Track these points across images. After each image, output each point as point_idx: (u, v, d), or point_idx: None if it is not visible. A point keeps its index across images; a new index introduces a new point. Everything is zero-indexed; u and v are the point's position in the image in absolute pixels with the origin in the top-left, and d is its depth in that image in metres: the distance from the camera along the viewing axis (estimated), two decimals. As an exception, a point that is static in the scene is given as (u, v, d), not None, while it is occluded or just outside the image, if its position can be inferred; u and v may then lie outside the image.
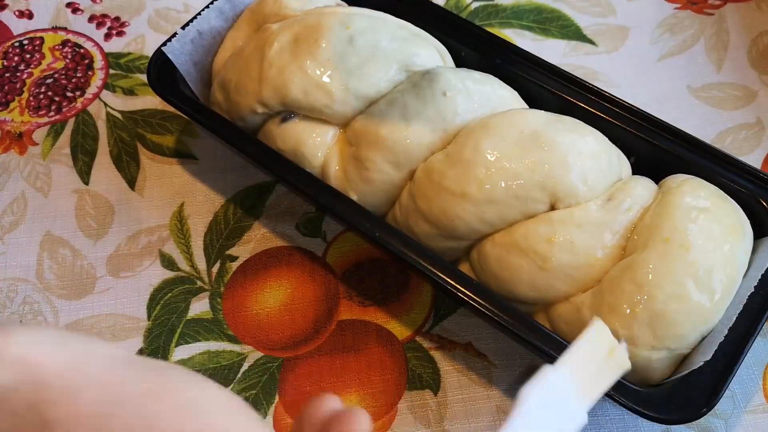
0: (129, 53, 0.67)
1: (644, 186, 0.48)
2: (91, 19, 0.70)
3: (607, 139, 0.49)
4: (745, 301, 0.44)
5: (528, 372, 0.51)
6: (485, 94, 0.50)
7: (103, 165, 0.61)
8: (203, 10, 0.57)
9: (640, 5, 0.68)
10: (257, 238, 0.57)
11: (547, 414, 0.35)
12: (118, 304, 0.55)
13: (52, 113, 0.64)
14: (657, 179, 0.49)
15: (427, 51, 0.53)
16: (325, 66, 0.50)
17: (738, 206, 0.48)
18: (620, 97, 0.52)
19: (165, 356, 0.52)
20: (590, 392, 0.36)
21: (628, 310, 0.43)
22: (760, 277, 0.45)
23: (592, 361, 0.36)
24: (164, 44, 0.55)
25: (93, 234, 0.58)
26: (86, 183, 0.60)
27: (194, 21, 0.57)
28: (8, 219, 0.58)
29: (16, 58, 0.67)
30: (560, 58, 0.65)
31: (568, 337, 0.45)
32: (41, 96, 0.65)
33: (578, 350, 0.36)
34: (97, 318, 0.54)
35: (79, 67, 0.67)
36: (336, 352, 0.52)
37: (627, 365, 0.36)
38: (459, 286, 0.45)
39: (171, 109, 0.56)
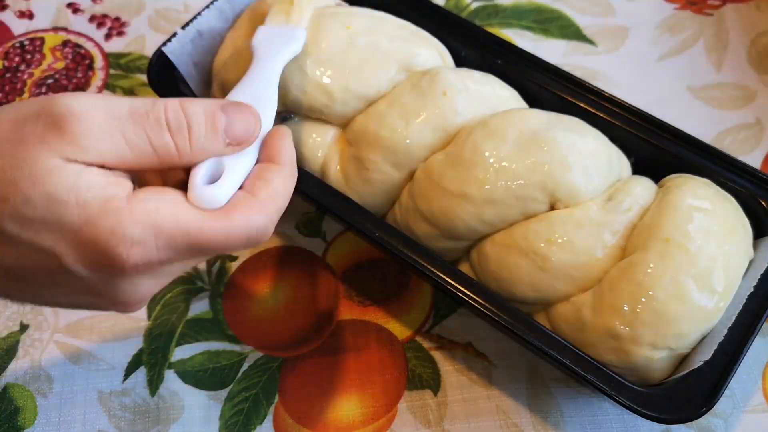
0: (129, 53, 0.67)
1: (644, 186, 0.48)
2: (91, 19, 0.70)
3: (607, 139, 0.49)
4: (745, 300, 0.44)
5: (529, 374, 0.51)
6: (485, 94, 0.50)
7: (104, 165, 0.61)
8: (203, 10, 0.57)
9: (640, 5, 0.68)
10: (257, 238, 0.57)
11: (275, 43, 0.47)
12: (118, 304, 0.55)
13: (52, 113, 0.64)
14: (657, 179, 0.49)
15: (427, 51, 0.53)
16: (325, 66, 0.50)
17: (738, 206, 0.48)
18: (620, 97, 0.52)
19: (165, 356, 0.52)
20: (298, 18, 0.51)
21: (629, 310, 0.43)
22: (759, 276, 0.45)
23: (287, 10, 0.51)
24: (164, 44, 0.56)
25: (93, 234, 0.58)
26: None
27: (194, 21, 0.57)
28: (8, 219, 0.58)
29: (16, 59, 0.67)
30: (560, 58, 0.65)
31: (568, 337, 0.45)
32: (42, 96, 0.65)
33: (271, 13, 0.51)
34: (98, 318, 0.54)
35: (79, 68, 0.67)
36: (336, 352, 0.52)
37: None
38: (459, 286, 0.45)
39: (171, 109, 0.56)
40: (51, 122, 0.33)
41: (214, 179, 0.38)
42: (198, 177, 0.37)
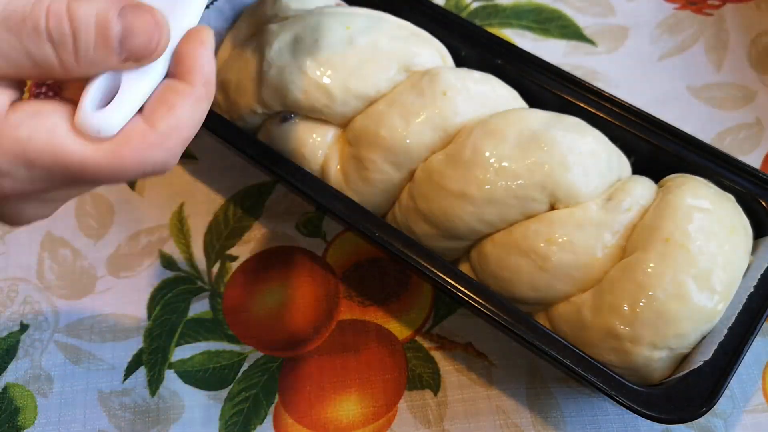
0: (129, 53, 0.67)
1: (644, 186, 0.48)
2: (91, 19, 0.70)
3: (607, 139, 0.49)
4: (745, 300, 0.44)
5: (529, 372, 0.51)
6: (485, 94, 0.50)
7: (104, 165, 0.61)
8: (203, 10, 0.57)
9: (640, 5, 0.68)
10: (257, 238, 0.57)
11: None
12: (118, 304, 0.55)
13: (52, 113, 0.64)
14: (657, 179, 0.49)
15: (427, 51, 0.53)
16: (325, 66, 0.50)
17: (738, 206, 0.48)
18: (620, 97, 0.52)
19: (165, 356, 0.52)
20: None
21: (629, 310, 0.43)
22: (759, 276, 0.45)
23: None
24: (164, 44, 0.55)
25: (93, 234, 0.58)
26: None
27: (194, 21, 0.57)
28: (8, 219, 0.58)
29: (16, 59, 0.67)
30: (560, 58, 0.65)
31: (568, 337, 0.45)
32: (41, 96, 0.65)
33: None
34: (98, 318, 0.54)
35: (79, 68, 0.66)
36: (336, 352, 0.52)
37: None
38: (459, 286, 0.45)
39: (171, 109, 0.56)
40: None
41: (110, 98, 0.32)
42: (88, 98, 0.32)
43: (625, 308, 0.43)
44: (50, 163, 0.30)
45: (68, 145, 0.31)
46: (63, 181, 0.31)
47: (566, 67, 0.55)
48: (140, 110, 0.33)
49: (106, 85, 0.32)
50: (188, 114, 0.33)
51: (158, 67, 0.33)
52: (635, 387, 0.42)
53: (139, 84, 0.32)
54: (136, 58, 0.32)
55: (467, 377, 0.51)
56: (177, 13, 0.34)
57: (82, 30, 0.30)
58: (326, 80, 0.50)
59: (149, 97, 0.33)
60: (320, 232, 0.57)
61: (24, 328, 0.54)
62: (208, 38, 0.34)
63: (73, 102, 0.33)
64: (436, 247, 0.49)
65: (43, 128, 0.31)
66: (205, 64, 0.33)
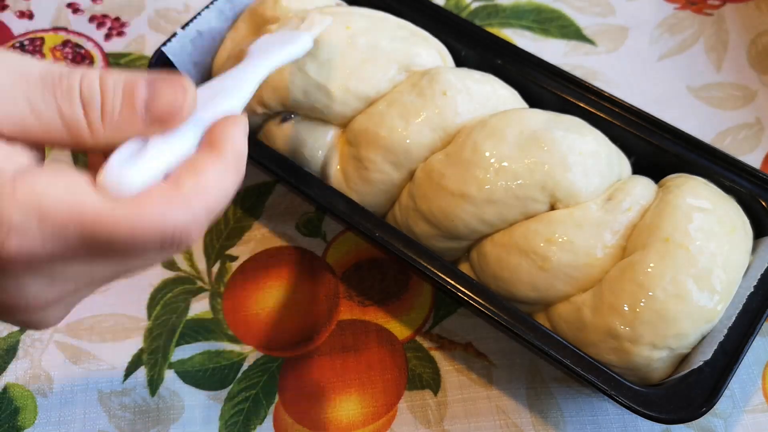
0: (129, 53, 0.67)
1: (644, 186, 0.48)
2: (91, 19, 0.70)
3: (607, 139, 0.49)
4: (745, 300, 0.44)
5: (529, 374, 0.51)
6: (485, 94, 0.50)
7: (104, 165, 0.61)
8: (203, 10, 0.57)
9: (640, 5, 0.68)
10: (257, 238, 0.57)
11: (273, 45, 0.44)
12: (118, 304, 0.55)
13: (52, 113, 0.64)
14: (657, 179, 0.49)
15: (427, 51, 0.53)
16: (325, 66, 0.50)
17: (738, 206, 0.48)
18: (620, 97, 0.52)
19: (165, 356, 0.52)
20: (308, 26, 0.48)
21: (629, 310, 0.43)
22: (759, 276, 0.45)
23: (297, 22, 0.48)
24: (164, 44, 0.56)
25: (93, 234, 0.58)
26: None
27: (194, 21, 0.57)
28: (8, 219, 0.58)
29: (16, 59, 0.67)
30: (560, 58, 0.65)
31: (568, 337, 0.45)
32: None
33: (283, 26, 0.48)
34: (98, 318, 0.54)
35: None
36: (336, 352, 0.52)
37: (326, 20, 0.50)
38: (459, 286, 0.45)
39: (171, 109, 0.56)
40: None
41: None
42: (114, 158, 0.31)
43: (625, 308, 0.43)
44: (65, 216, 0.28)
45: (86, 198, 0.29)
46: (76, 239, 0.29)
47: (566, 67, 0.55)
48: (165, 179, 0.31)
49: (132, 151, 0.31)
50: (215, 179, 0.31)
51: (187, 137, 0.33)
52: (635, 387, 0.42)
53: (166, 149, 0.32)
54: (161, 121, 0.31)
55: (467, 377, 0.51)
56: (218, 99, 0.35)
57: (110, 92, 0.31)
58: (326, 80, 0.50)
59: (176, 167, 0.32)
60: (320, 232, 0.57)
61: (24, 328, 0.54)
62: (243, 122, 0.34)
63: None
64: (436, 247, 0.49)
65: (62, 182, 0.29)
66: (237, 139, 0.33)
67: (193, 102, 0.32)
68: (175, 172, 0.31)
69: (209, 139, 0.33)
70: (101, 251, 0.30)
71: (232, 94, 0.36)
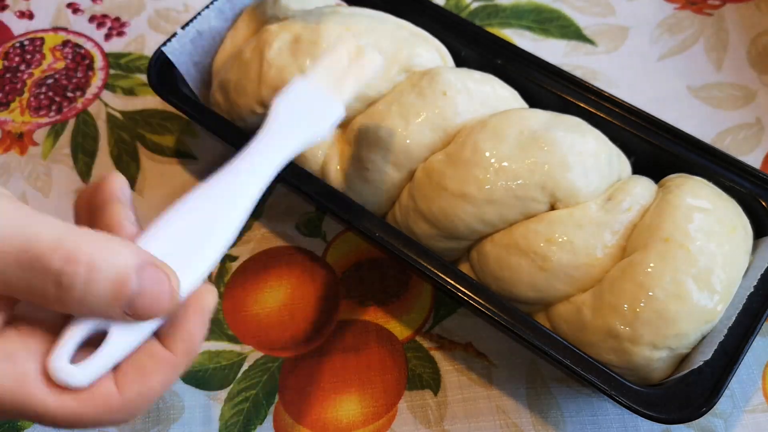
0: (129, 53, 0.67)
1: (644, 186, 0.48)
2: (91, 19, 0.70)
3: (607, 139, 0.49)
4: (745, 300, 0.44)
5: (528, 373, 0.51)
6: (485, 94, 0.50)
7: (104, 165, 0.61)
8: (203, 10, 0.57)
9: (640, 5, 0.68)
10: (257, 238, 0.57)
11: (300, 114, 0.40)
12: (118, 304, 0.55)
13: (52, 113, 0.64)
14: (657, 179, 0.49)
15: (427, 51, 0.53)
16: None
17: (738, 206, 0.48)
18: (620, 97, 0.52)
19: (165, 356, 0.52)
20: (342, 90, 0.42)
21: (629, 310, 0.43)
22: (759, 276, 0.45)
23: (338, 66, 0.43)
24: (164, 44, 0.56)
25: (93, 234, 0.58)
26: (87, 183, 0.60)
27: (194, 21, 0.57)
28: (8, 219, 0.58)
29: (16, 59, 0.67)
30: (560, 58, 0.65)
31: (568, 337, 0.45)
32: (42, 96, 0.65)
33: (322, 62, 0.43)
34: (98, 318, 0.54)
35: (79, 68, 0.67)
36: (336, 352, 0.52)
37: (377, 61, 0.44)
38: (459, 286, 0.45)
39: (171, 109, 0.56)
40: None
41: (89, 340, 0.31)
42: (68, 343, 0.31)
43: (625, 308, 0.43)
44: (9, 405, 0.30)
45: (34, 392, 0.30)
46: (13, 414, 0.30)
47: (566, 67, 0.55)
48: (113, 370, 0.32)
49: (91, 330, 0.31)
50: (160, 382, 0.32)
51: (152, 326, 0.32)
52: (635, 387, 0.42)
53: (126, 339, 0.31)
54: (138, 315, 0.31)
55: (467, 377, 0.51)
56: (188, 270, 0.33)
57: (100, 281, 0.30)
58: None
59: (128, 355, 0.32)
60: (320, 232, 0.57)
61: None
62: (209, 305, 0.33)
63: (52, 331, 0.32)
64: (436, 247, 0.49)
65: (13, 374, 0.30)
66: (195, 334, 0.32)
67: (176, 305, 0.32)
68: (124, 366, 0.32)
69: (168, 329, 0.32)
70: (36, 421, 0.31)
71: (202, 260, 0.34)
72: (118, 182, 0.35)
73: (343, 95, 0.42)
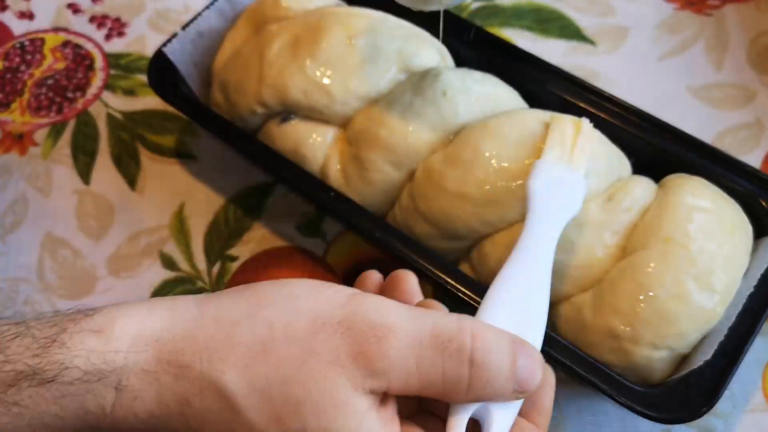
0: (129, 54, 0.67)
1: (644, 186, 0.48)
2: (91, 19, 0.70)
3: (607, 139, 0.49)
4: (745, 300, 0.44)
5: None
6: (485, 94, 0.50)
7: (104, 165, 0.61)
8: (203, 10, 0.57)
9: (640, 5, 0.68)
10: (257, 238, 0.57)
11: (555, 196, 0.41)
12: (118, 305, 0.55)
13: (52, 114, 0.64)
14: (657, 179, 0.49)
15: (427, 51, 0.53)
16: (325, 66, 0.50)
17: (738, 206, 0.48)
18: (620, 97, 0.52)
19: (165, 356, 0.52)
20: (578, 161, 0.43)
21: (629, 310, 0.43)
22: (759, 276, 0.45)
23: (566, 141, 0.44)
24: (164, 45, 0.56)
25: (93, 234, 0.58)
26: (87, 183, 0.60)
27: (194, 21, 0.57)
28: (9, 219, 0.58)
29: (17, 59, 0.67)
30: (560, 58, 0.65)
31: (568, 337, 0.45)
32: (42, 97, 0.65)
33: (550, 141, 0.44)
34: (98, 318, 0.54)
35: (79, 68, 0.67)
36: (336, 352, 0.52)
37: (594, 132, 0.46)
38: (459, 286, 0.45)
39: (171, 109, 0.56)
40: (351, 340, 0.30)
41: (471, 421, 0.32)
42: (462, 422, 0.32)
43: (626, 308, 0.43)
44: None
45: None
46: None
47: (566, 67, 0.55)
48: None
49: (467, 418, 0.32)
50: None
51: (520, 403, 0.33)
52: (635, 387, 0.42)
53: (507, 418, 0.32)
54: (524, 390, 0.32)
55: (467, 377, 0.51)
56: (531, 334, 0.34)
57: (503, 357, 0.31)
58: (326, 80, 0.50)
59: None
60: (320, 232, 0.57)
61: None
62: (553, 378, 0.35)
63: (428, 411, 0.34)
64: (436, 247, 0.49)
65: None
66: (550, 408, 0.34)
67: (542, 373, 0.33)
68: None
69: (527, 407, 0.34)
70: None
71: (536, 312, 0.36)
72: (413, 280, 0.37)
73: (579, 168, 0.43)
